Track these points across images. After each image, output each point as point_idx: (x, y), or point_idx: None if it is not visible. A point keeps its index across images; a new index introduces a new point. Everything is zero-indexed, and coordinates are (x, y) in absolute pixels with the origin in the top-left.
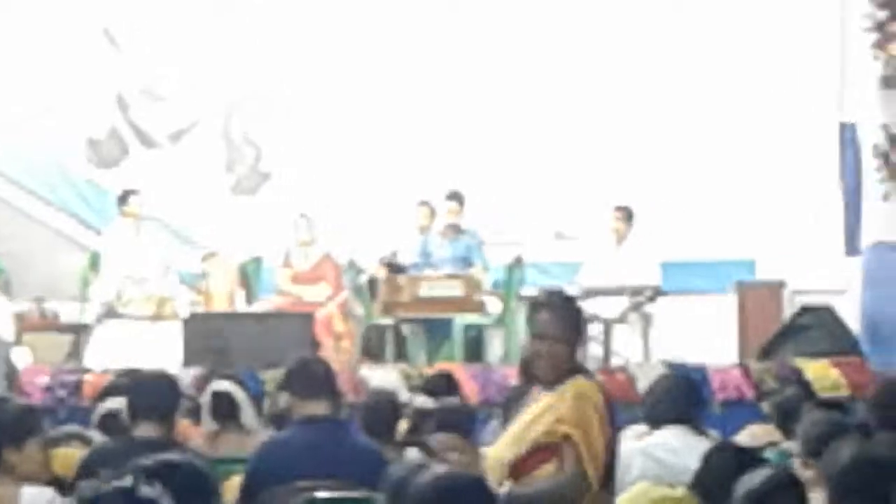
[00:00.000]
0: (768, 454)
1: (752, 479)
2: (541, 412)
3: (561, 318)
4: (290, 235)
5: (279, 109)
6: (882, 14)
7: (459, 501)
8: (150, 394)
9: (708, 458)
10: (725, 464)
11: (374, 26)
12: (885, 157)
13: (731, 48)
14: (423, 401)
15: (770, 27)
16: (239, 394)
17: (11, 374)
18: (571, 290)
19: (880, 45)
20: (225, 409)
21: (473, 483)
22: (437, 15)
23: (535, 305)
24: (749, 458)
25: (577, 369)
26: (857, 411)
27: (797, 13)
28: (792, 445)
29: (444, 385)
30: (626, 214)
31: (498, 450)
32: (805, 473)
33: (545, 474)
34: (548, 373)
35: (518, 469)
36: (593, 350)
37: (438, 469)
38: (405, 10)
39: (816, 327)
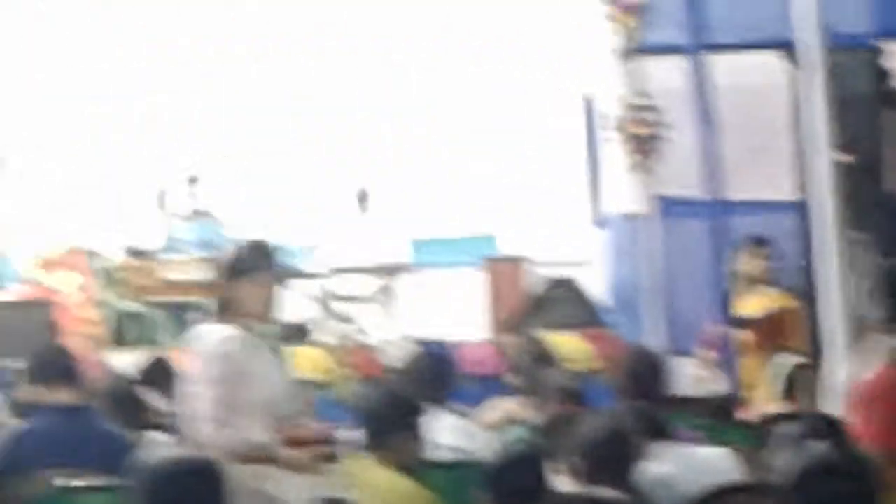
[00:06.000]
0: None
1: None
2: None
3: None
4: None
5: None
6: None
7: (187, 482)
8: None
9: None
10: None
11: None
12: (624, 130)
13: (476, 27)
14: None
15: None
16: None
17: None
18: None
19: (615, 17)
20: None
21: (202, 465)
22: None
23: None
24: None
25: None
26: (600, 383)
27: None
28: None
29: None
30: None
31: None
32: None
33: None
34: None
35: None
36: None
37: (173, 452)
38: None
39: (562, 300)
